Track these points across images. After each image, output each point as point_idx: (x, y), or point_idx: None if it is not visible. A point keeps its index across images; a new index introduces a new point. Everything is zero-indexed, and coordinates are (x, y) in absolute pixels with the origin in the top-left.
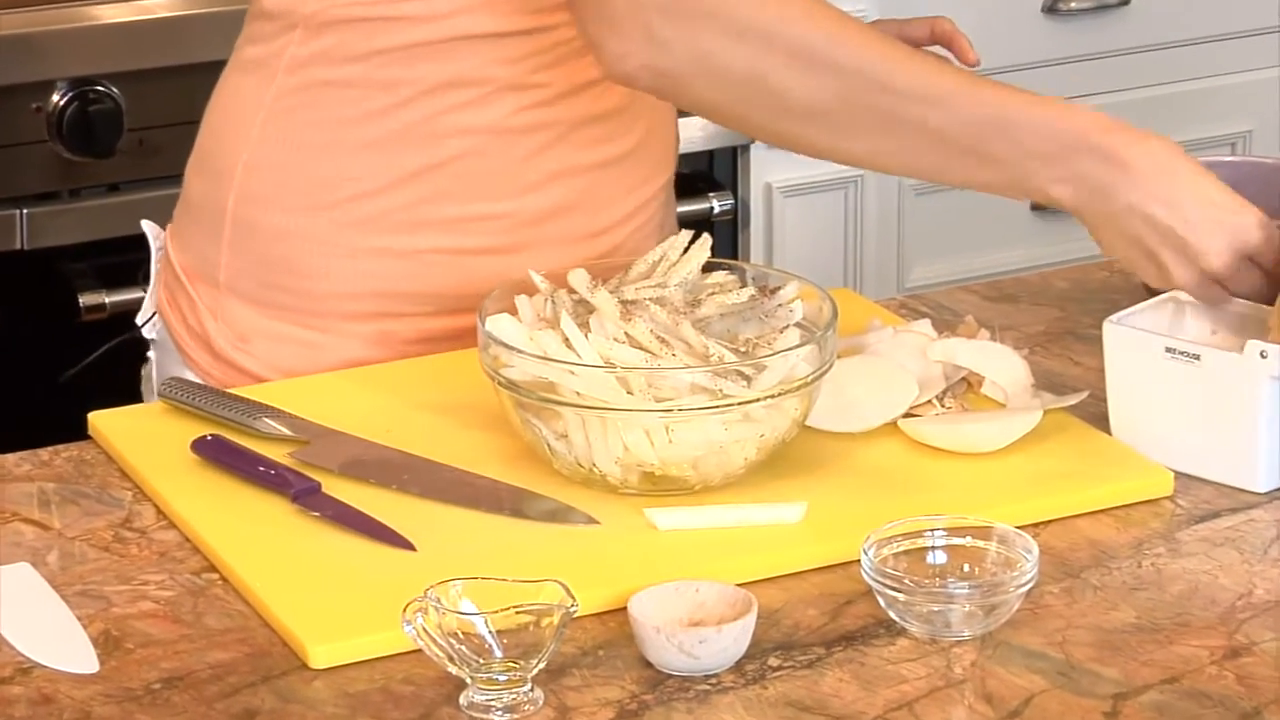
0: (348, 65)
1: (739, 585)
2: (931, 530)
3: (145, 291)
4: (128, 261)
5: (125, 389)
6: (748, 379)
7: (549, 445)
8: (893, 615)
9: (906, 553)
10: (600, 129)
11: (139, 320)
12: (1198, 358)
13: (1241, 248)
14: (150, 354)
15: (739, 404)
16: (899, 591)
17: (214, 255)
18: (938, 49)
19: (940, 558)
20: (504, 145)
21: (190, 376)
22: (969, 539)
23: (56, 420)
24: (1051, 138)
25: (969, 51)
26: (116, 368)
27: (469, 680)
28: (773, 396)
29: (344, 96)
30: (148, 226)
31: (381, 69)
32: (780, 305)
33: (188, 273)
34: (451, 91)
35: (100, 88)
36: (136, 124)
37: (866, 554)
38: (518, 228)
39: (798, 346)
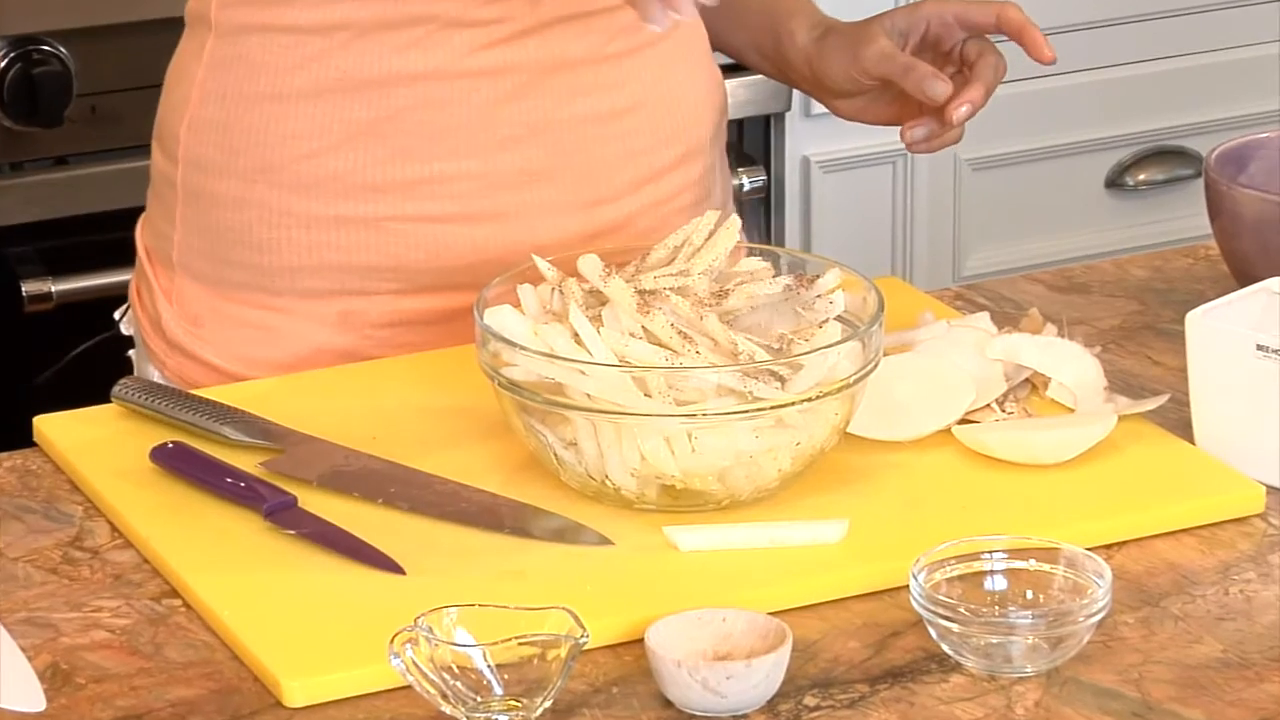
0: (274, 7)
1: (771, 614)
2: (990, 552)
3: (99, 279)
4: (77, 245)
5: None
6: (781, 380)
7: (556, 454)
8: (946, 648)
9: (961, 577)
10: (579, 78)
11: (117, 315)
12: None
13: None
14: (131, 354)
15: (771, 408)
16: (953, 621)
17: (168, 232)
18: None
19: (1000, 583)
20: (459, 94)
21: (153, 371)
22: (1032, 562)
23: (11, 427)
24: None
25: (1044, 49)
26: (92, 370)
27: None
28: (810, 400)
29: (275, 43)
30: None
31: (309, 9)
32: (819, 296)
33: (149, 255)
34: (389, 32)
35: (46, 47)
36: (88, 89)
37: (916, 579)
38: (491, 191)
39: (839, 343)
